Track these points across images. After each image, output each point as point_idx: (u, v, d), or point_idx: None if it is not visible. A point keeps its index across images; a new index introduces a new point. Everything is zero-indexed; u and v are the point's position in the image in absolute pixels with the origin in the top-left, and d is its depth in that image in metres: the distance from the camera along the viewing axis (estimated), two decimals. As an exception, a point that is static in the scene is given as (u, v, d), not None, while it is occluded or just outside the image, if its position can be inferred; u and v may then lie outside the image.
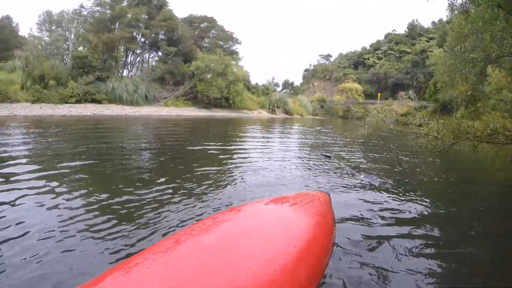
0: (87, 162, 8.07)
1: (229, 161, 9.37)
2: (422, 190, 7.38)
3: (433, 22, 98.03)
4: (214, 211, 4.75)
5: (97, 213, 4.54)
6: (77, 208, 4.70)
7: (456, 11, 13.86)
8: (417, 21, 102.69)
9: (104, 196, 5.30)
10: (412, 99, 74.12)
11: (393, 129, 15.68)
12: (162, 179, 6.48)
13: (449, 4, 10.60)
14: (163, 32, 46.98)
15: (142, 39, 46.98)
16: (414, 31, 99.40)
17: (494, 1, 8.37)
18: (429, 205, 6.13)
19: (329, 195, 4.54)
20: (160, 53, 49.21)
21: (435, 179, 9.13)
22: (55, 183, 5.81)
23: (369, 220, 5.01)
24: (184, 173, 7.22)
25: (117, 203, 5.03)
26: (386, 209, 5.56)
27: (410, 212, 5.54)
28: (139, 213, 4.63)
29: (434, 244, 4.33)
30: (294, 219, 3.14)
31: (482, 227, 5.27)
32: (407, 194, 6.71)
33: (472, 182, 9.56)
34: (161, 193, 5.59)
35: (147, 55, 51.32)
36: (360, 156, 12.87)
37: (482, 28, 11.48)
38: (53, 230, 3.88)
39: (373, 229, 4.64)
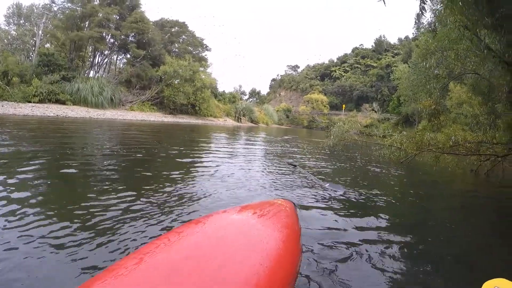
0: (47, 166, 7.58)
1: (194, 168, 9.27)
2: (386, 198, 7.50)
3: (399, 39, 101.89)
4: (179, 221, 4.59)
5: (52, 221, 4.23)
6: (33, 214, 4.39)
7: (422, 29, 14.44)
8: (384, 37, 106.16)
9: (63, 202, 5.05)
10: (376, 111, 75.92)
11: (358, 140, 15.97)
12: (124, 187, 6.23)
13: (415, 22, 11.05)
14: (133, 34, 46.16)
15: (112, 40, 45.78)
16: (381, 47, 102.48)
17: (461, 22, 8.80)
18: (393, 212, 6.37)
19: (293, 204, 4.52)
20: (128, 56, 48.04)
21: (398, 188, 9.33)
22: (10, 188, 5.47)
23: (334, 229, 5.08)
24: (147, 180, 7.04)
25: (76, 211, 4.75)
26: (351, 216, 5.69)
27: (375, 219, 5.69)
28: (99, 224, 4.33)
29: (400, 249, 4.48)
30: (264, 234, 2.99)
31: (443, 231, 5.52)
32: (371, 202, 6.89)
33: (433, 191, 9.92)
34: (122, 201, 5.32)
35: (115, 56, 50.09)
36: (324, 165, 12.96)
37: (447, 46, 12.06)
38: (8, 241, 3.55)
39: (338, 238, 4.67)
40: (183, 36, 60.15)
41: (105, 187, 6.05)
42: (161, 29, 54.99)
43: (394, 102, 65.21)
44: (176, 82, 47.49)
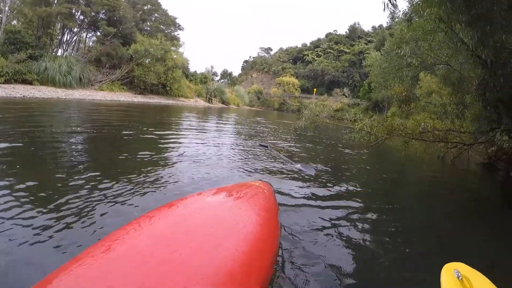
0: (14, 149, 7.24)
1: (166, 150, 9.17)
2: (356, 181, 7.79)
3: (373, 27, 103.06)
4: (151, 204, 4.27)
5: (21, 203, 4.12)
6: (1, 197, 4.25)
7: (397, 19, 14.69)
8: (358, 24, 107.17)
9: (31, 185, 4.87)
10: (346, 96, 76.89)
11: (329, 123, 16.39)
12: (94, 169, 6.04)
13: (390, 12, 11.22)
14: (104, 11, 44.65)
15: (81, 17, 44.11)
16: (355, 33, 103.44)
17: (437, 15, 9.00)
18: (362, 195, 6.57)
19: (271, 186, 4.51)
20: (98, 33, 46.48)
21: (368, 172, 9.73)
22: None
23: (307, 209, 5.21)
24: (118, 163, 6.90)
25: (45, 193, 4.62)
26: (324, 198, 5.84)
27: (346, 201, 5.88)
28: (69, 207, 4.18)
29: (366, 231, 4.70)
30: (241, 217, 2.93)
31: (408, 215, 5.87)
32: (342, 184, 7.09)
33: (401, 176, 10.28)
34: (93, 184, 5.14)
35: (84, 34, 48.37)
36: (296, 146, 13.30)
37: (421, 37, 12.35)
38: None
39: (314, 219, 4.77)
40: (156, 14, 58.87)
41: (75, 170, 5.86)
42: (133, 6, 53.44)
43: (364, 88, 65.98)
44: (147, 61, 46.50)
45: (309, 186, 6.49)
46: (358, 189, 6.85)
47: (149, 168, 6.44)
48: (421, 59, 13.97)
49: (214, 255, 2.25)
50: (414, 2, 11.14)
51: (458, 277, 2.57)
